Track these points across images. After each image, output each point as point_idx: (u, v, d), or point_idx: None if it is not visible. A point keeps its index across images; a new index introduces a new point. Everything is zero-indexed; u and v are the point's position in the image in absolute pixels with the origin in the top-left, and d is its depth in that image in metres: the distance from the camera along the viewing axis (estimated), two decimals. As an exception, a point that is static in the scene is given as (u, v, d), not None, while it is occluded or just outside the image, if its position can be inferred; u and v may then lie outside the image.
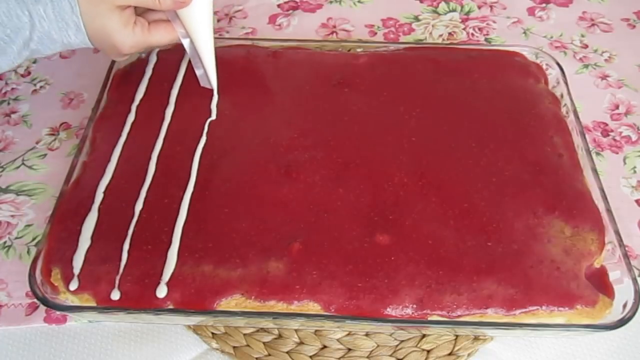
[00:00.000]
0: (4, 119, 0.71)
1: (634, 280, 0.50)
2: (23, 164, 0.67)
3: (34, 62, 0.77)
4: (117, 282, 0.51)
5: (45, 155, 0.68)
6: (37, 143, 0.69)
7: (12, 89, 0.74)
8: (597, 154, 0.68)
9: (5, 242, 0.61)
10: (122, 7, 0.55)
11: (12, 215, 0.63)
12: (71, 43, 0.56)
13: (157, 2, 0.56)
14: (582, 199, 0.56)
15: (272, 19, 0.82)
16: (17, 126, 0.70)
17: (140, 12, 0.59)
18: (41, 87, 0.75)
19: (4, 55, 0.54)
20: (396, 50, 0.69)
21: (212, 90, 0.63)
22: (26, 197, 0.64)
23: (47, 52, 0.56)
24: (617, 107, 0.72)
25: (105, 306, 0.50)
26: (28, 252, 0.60)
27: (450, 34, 0.81)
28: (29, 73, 0.76)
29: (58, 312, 0.55)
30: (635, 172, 0.66)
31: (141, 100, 0.63)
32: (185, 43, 0.61)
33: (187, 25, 0.59)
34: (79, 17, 0.54)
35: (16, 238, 0.61)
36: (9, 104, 0.73)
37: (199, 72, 0.63)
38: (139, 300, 0.50)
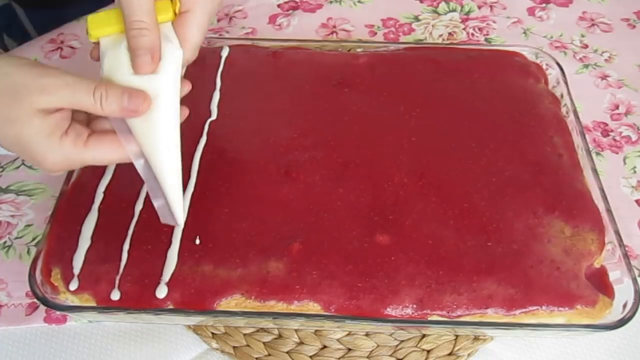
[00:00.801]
0: None
1: (634, 280, 0.50)
2: (23, 163, 0.67)
3: (35, 59, 0.77)
4: (117, 282, 0.51)
5: None
6: None
7: None
8: (597, 154, 0.68)
9: (5, 242, 0.61)
10: (47, 110, 0.41)
11: (12, 215, 0.63)
12: None
13: (97, 104, 0.42)
14: (582, 199, 0.56)
15: (272, 19, 0.82)
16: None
17: (83, 118, 0.46)
18: None
19: None
20: (396, 50, 0.69)
21: (212, 90, 0.63)
22: (26, 197, 0.64)
23: None
24: (617, 107, 0.72)
25: (105, 306, 0.50)
26: (28, 252, 0.60)
27: (450, 34, 0.81)
28: None
29: (58, 312, 0.55)
30: (635, 172, 0.66)
31: (141, 100, 0.63)
32: (138, 165, 0.45)
33: (142, 141, 0.44)
34: None
35: (16, 238, 0.61)
36: None
37: (156, 203, 0.47)
38: (139, 300, 0.50)
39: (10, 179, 0.65)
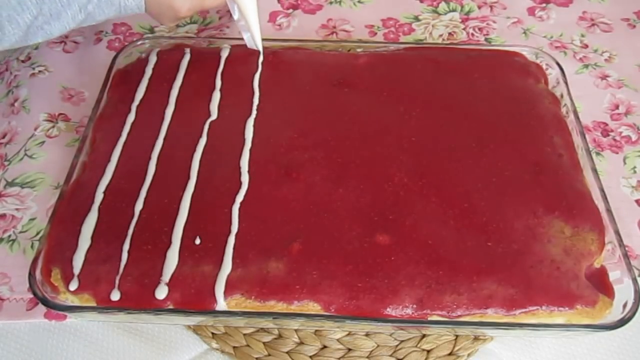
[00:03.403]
0: (9, 108, 0.71)
1: (634, 280, 0.50)
2: (25, 154, 0.67)
3: (36, 48, 0.77)
4: (117, 282, 0.51)
5: (43, 142, 0.68)
6: (35, 129, 0.69)
7: (15, 76, 0.74)
8: (597, 154, 0.68)
9: (9, 236, 0.61)
10: None
11: (16, 209, 0.63)
12: (127, 6, 0.58)
13: None
14: (582, 199, 0.56)
15: (273, 17, 0.82)
16: (19, 114, 0.70)
17: None
18: (40, 71, 0.74)
19: (58, 21, 0.54)
20: (396, 50, 0.69)
21: (211, 90, 0.63)
22: (29, 189, 0.64)
23: (100, 17, 0.57)
24: (617, 107, 0.72)
25: (105, 306, 0.50)
26: (32, 246, 0.60)
27: (450, 34, 0.81)
28: (29, 58, 0.76)
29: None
30: (635, 172, 0.66)
31: (141, 100, 0.63)
32: (233, 8, 0.67)
33: None
34: None
35: (20, 232, 0.61)
36: (12, 92, 0.73)
37: (245, 36, 0.68)
38: (138, 300, 0.50)
39: (15, 172, 0.66)
